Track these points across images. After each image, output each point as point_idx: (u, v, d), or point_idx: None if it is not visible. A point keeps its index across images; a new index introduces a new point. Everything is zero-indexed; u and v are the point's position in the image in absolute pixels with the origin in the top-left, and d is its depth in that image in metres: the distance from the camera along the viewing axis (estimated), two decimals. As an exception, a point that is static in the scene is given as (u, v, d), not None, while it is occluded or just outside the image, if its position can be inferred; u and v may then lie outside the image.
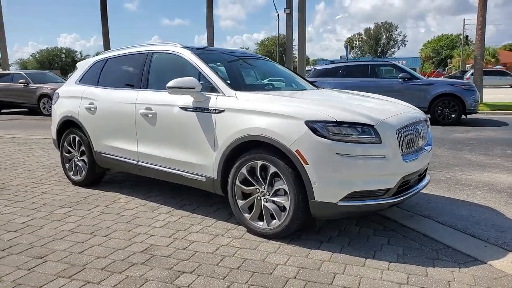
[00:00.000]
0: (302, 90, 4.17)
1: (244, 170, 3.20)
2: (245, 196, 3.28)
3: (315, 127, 2.83)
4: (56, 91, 5.18)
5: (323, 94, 3.98)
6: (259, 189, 3.17)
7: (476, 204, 4.03)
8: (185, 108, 3.55)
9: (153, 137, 3.85)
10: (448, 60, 76.09)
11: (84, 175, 4.65)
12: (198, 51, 3.89)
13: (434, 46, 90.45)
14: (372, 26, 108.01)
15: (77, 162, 4.77)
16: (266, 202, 3.14)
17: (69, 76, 5.31)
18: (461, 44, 67.63)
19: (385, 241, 3.09)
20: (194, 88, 3.39)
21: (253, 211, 3.21)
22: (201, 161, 3.47)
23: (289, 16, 14.65)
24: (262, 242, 3.08)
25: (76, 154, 4.78)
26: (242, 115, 3.17)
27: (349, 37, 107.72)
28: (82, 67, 4.94)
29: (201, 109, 3.44)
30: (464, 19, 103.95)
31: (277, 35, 54.64)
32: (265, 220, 3.14)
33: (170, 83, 3.45)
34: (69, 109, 4.70)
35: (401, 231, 3.28)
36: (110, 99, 4.26)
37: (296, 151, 2.86)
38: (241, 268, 2.67)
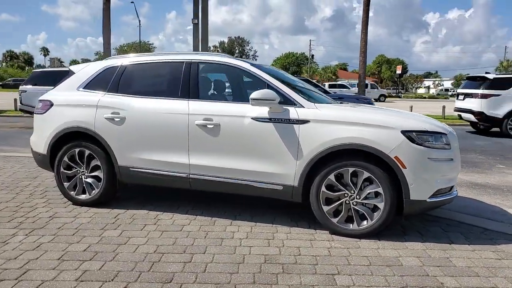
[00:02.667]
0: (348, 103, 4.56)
1: (332, 177, 3.46)
2: (328, 201, 3.53)
3: (411, 135, 3.31)
4: (43, 98, 4.44)
5: (377, 107, 4.45)
6: (347, 194, 3.47)
7: (471, 198, 4.97)
8: (259, 119, 3.60)
9: (213, 149, 3.75)
10: (296, 76, 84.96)
11: (99, 193, 4.14)
12: (256, 64, 3.96)
13: (283, 63, 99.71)
14: (225, 39, 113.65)
15: (85, 180, 4.21)
16: (356, 205, 3.46)
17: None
18: (307, 61, 76.48)
19: (441, 230, 3.73)
20: (274, 100, 3.50)
21: (341, 214, 3.49)
22: (279, 170, 3.58)
23: (196, 26, 14.72)
24: (357, 241, 3.39)
25: (82, 170, 4.22)
26: (332, 126, 3.43)
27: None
28: (85, 72, 4.37)
29: (280, 120, 3.56)
30: (310, 40, 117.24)
31: (134, 41, 53.07)
32: (355, 221, 3.46)
33: (254, 95, 3.48)
34: (77, 119, 4.13)
35: (443, 222, 3.96)
36: (147, 109, 3.94)
37: (395, 157, 3.28)
38: (374, 264, 2.96)
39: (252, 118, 3.63)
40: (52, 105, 4.31)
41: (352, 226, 3.47)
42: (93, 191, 4.19)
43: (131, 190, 4.82)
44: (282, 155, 3.55)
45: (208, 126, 3.74)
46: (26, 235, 3.41)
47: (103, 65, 4.34)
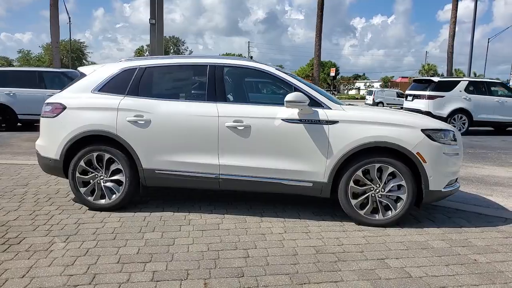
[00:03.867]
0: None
1: (359, 173, 3.78)
2: (354, 195, 3.85)
3: (429, 133, 3.73)
4: (53, 101, 4.26)
5: (390, 109, 4.81)
6: (373, 187, 3.81)
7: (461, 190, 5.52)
8: (289, 120, 3.82)
9: (244, 149, 3.90)
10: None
11: (120, 197, 4.09)
12: (279, 68, 4.17)
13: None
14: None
15: (104, 184, 4.14)
16: (381, 197, 3.81)
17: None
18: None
19: (445, 217, 4.20)
20: (305, 102, 3.75)
21: (367, 207, 3.82)
22: (310, 168, 3.82)
23: (154, 26, 14.41)
24: (384, 230, 3.74)
25: (101, 175, 4.14)
26: (361, 125, 3.75)
27: (139, 48, 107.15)
28: (99, 74, 4.26)
29: (310, 121, 3.80)
30: (248, 42, 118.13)
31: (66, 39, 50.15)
32: (380, 212, 3.81)
33: (289, 98, 3.70)
34: (97, 123, 4.04)
35: (442, 209, 4.45)
36: (174, 112, 3.98)
37: (417, 153, 3.68)
38: (411, 248, 3.33)
39: (282, 120, 3.84)
40: (64, 108, 4.17)
41: (378, 217, 3.82)
42: (113, 196, 4.12)
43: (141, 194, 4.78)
44: (313, 154, 3.80)
45: (239, 127, 3.88)
46: (65, 241, 3.32)
47: (119, 68, 4.28)
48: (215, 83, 4.05)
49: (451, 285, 2.71)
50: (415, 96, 13.11)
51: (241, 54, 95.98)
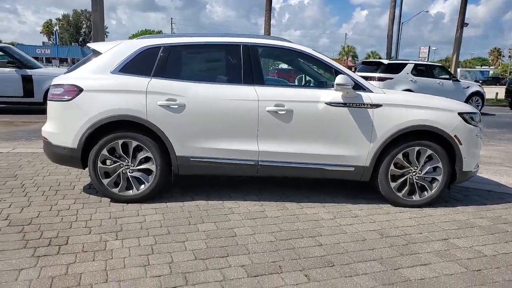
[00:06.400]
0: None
1: (400, 156, 3.87)
2: (393, 178, 3.93)
3: (465, 117, 3.91)
4: (65, 82, 3.73)
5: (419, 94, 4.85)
6: (411, 170, 3.92)
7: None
8: (333, 104, 3.76)
9: (285, 134, 3.77)
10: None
11: (150, 187, 3.77)
12: (315, 50, 4.06)
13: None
14: (69, 12, 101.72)
15: (131, 174, 3.77)
16: (418, 179, 3.94)
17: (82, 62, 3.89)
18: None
19: (462, 196, 4.46)
20: (350, 85, 3.71)
21: (405, 188, 3.93)
22: (353, 153, 3.82)
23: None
24: (422, 210, 3.89)
25: (127, 164, 3.76)
26: (403, 109, 3.81)
27: (47, 22, 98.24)
28: (117, 52, 3.79)
29: (355, 105, 3.78)
30: (172, 18, 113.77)
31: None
32: (417, 193, 3.94)
33: (340, 80, 3.63)
34: (124, 107, 3.64)
35: (456, 190, 4.72)
36: (210, 95, 3.70)
37: (454, 136, 3.84)
38: (461, 227, 3.51)
39: (326, 103, 3.76)
40: (81, 90, 3.68)
41: (415, 198, 3.95)
42: (142, 186, 3.79)
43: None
44: (357, 138, 3.79)
45: (280, 112, 3.73)
46: (117, 239, 3.00)
47: (139, 46, 3.85)
48: (251, 65, 3.83)
49: (525, 260, 2.90)
50: (365, 78, 13.60)
51: (161, 31, 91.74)
